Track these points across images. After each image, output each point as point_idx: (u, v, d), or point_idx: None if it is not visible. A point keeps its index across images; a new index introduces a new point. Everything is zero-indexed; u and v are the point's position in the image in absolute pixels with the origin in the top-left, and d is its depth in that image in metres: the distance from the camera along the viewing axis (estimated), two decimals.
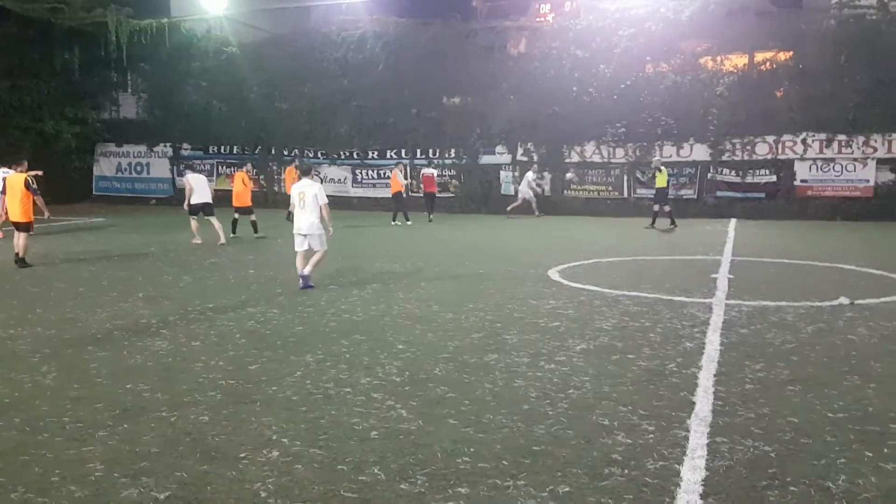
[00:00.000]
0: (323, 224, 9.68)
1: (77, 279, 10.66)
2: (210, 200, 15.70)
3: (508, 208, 23.06)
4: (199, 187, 15.60)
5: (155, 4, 29.03)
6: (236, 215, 16.86)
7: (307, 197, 9.60)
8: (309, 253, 9.76)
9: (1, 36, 27.04)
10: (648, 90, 23.25)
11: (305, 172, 10.24)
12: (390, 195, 21.98)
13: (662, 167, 19.55)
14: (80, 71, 28.82)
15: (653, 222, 18.99)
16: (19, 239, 12.13)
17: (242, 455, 4.14)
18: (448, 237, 17.04)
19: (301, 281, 9.67)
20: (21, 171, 12.42)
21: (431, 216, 21.73)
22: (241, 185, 17.09)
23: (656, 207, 19.19)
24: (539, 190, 23.57)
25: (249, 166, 19.07)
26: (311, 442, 4.34)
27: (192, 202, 15.47)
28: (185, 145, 29.33)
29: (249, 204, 17.06)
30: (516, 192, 23.73)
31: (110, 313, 8.15)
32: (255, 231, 16.65)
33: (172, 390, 5.34)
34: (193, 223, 15.39)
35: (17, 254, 12.09)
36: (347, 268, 11.63)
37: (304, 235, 9.67)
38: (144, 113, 30.17)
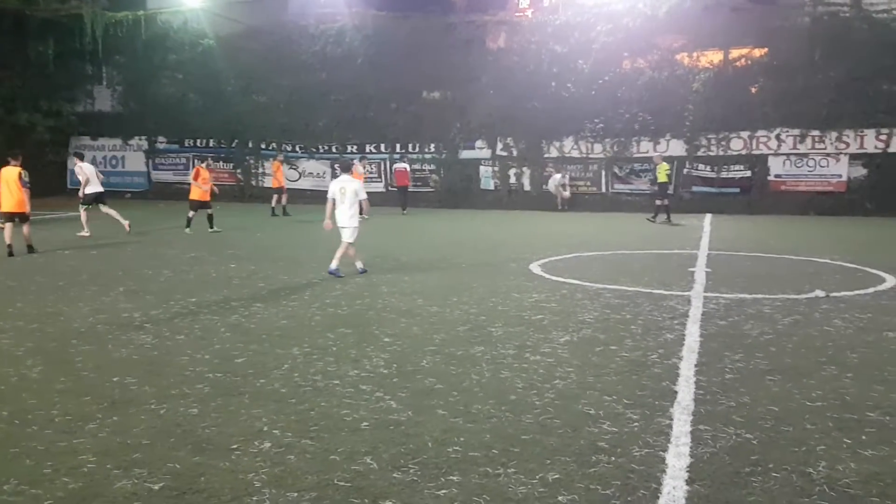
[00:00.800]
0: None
1: (56, 273, 10.55)
2: (102, 189, 15.93)
3: (560, 207, 23.38)
4: (93, 177, 15.72)
5: None
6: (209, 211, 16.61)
7: (348, 192, 10.14)
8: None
9: None
10: (626, 86, 23.47)
11: (346, 169, 10.78)
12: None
13: (664, 162, 20.13)
14: (54, 63, 28.37)
15: (665, 216, 19.21)
16: (23, 230, 12.73)
17: (234, 446, 4.16)
18: (429, 232, 17.09)
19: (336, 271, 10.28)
20: (16, 165, 12.65)
21: (405, 210, 22.01)
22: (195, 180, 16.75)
23: (658, 202, 19.51)
24: (565, 193, 23.71)
25: (210, 161, 18.79)
26: (303, 433, 4.37)
27: (87, 192, 15.61)
28: (161, 138, 29.03)
29: (205, 198, 16.57)
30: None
31: (92, 307, 8.09)
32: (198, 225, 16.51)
33: (160, 383, 5.34)
34: (84, 214, 15.60)
35: (28, 245, 12.73)
36: (329, 262, 11.61)
37: (342, 227, 10.24)
38: (120, 106, 29.80)
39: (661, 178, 19.66)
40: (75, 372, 5.65)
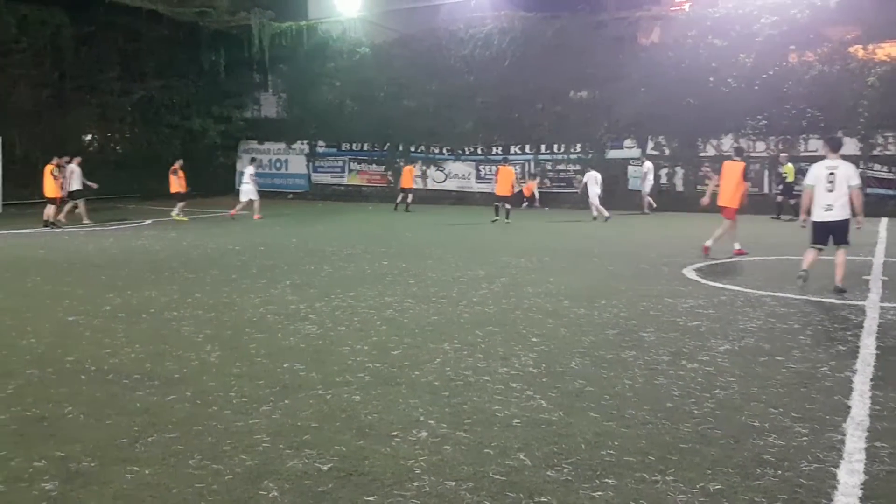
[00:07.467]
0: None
1: (229, 267, 11.42)
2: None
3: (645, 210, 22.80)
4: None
5: (294, 7, 30.53)
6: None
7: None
8: None
9: (153, 38, 29.29)
10: (792, 80, 22.13)
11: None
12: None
13: (789, 162, 20.59)
14: (225, 71, 30.71)
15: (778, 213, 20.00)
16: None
17: (394, 433, 4.35)
18: (573, 233, 16.90)
19: None
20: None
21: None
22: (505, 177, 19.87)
23: (792, 201, 19.51)
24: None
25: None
26: (457, 425, 4.49)
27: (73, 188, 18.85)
28: (321, 143, 30.64)
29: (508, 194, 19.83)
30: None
31: (263, 299, 8.69)
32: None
33: (325, 370, 5.66)
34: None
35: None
36: (475, 262, 11.81)
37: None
38: (284, 112, 31.75)
39: (792, 177, 20.22)
40: (249, 357, 6.10)
